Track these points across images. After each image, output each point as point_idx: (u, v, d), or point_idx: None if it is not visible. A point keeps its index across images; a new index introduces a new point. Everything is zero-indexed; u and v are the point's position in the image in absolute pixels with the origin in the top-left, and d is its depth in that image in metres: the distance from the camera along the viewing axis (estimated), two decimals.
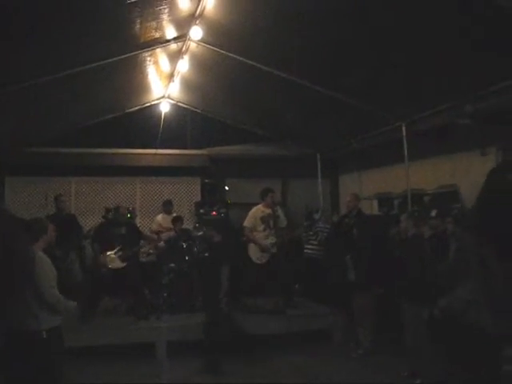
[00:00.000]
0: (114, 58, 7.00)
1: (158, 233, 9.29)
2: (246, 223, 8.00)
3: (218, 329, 6.38)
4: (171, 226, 9.05)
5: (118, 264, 7.48)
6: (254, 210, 8.07)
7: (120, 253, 7.51)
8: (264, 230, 7.88)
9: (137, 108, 10.64)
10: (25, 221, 4.53)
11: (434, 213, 8.28)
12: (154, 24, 6.60)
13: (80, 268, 8.96)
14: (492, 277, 1.78)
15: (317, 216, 9.45)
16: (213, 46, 7.25)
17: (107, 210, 10.75)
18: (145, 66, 8.29)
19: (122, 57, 7.09)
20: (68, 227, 7.95)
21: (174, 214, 9.56)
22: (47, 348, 3.84)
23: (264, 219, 7.90)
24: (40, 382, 3.80)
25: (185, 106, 10.98)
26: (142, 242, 8.25)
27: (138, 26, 6.46)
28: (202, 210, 11.24)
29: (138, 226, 9.93)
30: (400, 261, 6.25)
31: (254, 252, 7.87)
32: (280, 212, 8.17)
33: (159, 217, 9.86)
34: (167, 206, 9.91)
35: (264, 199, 8.01)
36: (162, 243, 8.73)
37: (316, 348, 7.14)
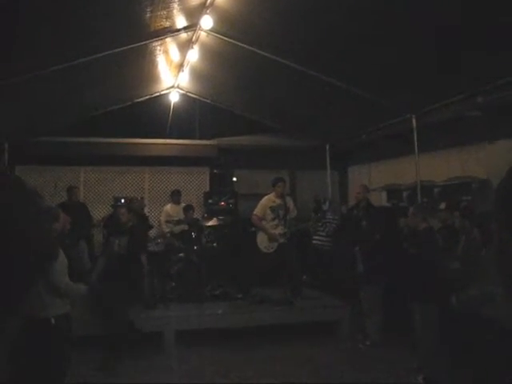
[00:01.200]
0: (124, 48, 6.96)
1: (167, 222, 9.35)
2: (256, 211, 7.96)
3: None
4: (180, 216, 9.09)
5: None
6: (264, 199, 8.03)
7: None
8: (273, 219, 7.83)
9: (146, 98, 10.62)
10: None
11: (442, 205, 8.26)
12: (164, 13, 6.56)
13: (89, 257, 9.05)
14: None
15: (325, 207, 9.44)
16: (223, 35, 7.21)
17: (116, 200, 10.85)
18: (154, 56, 8.26)
19: (132, 46, 7.06)
20: (78, 216, 7.99)
21: (183, 204, 9.58)
22: (55, 334, 3.87)
23: (274, 209, 7.86)
24: (47, 368, 3.82)
25: (194, 96, 10.93)
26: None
27: (148, 14, 6.42)
28: (210, 201, 11.29)
29: (147, 215, 10.04)
30: (408, 253, 6.19)
31: (262, 241, 7.84)
32: (290, 202, 8.14)
33: (168, 207, 9.90)
34: (176, 196, 9.93)
35: (274, 188, 8.00)
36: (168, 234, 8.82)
37: (323, 339, 7.15)
